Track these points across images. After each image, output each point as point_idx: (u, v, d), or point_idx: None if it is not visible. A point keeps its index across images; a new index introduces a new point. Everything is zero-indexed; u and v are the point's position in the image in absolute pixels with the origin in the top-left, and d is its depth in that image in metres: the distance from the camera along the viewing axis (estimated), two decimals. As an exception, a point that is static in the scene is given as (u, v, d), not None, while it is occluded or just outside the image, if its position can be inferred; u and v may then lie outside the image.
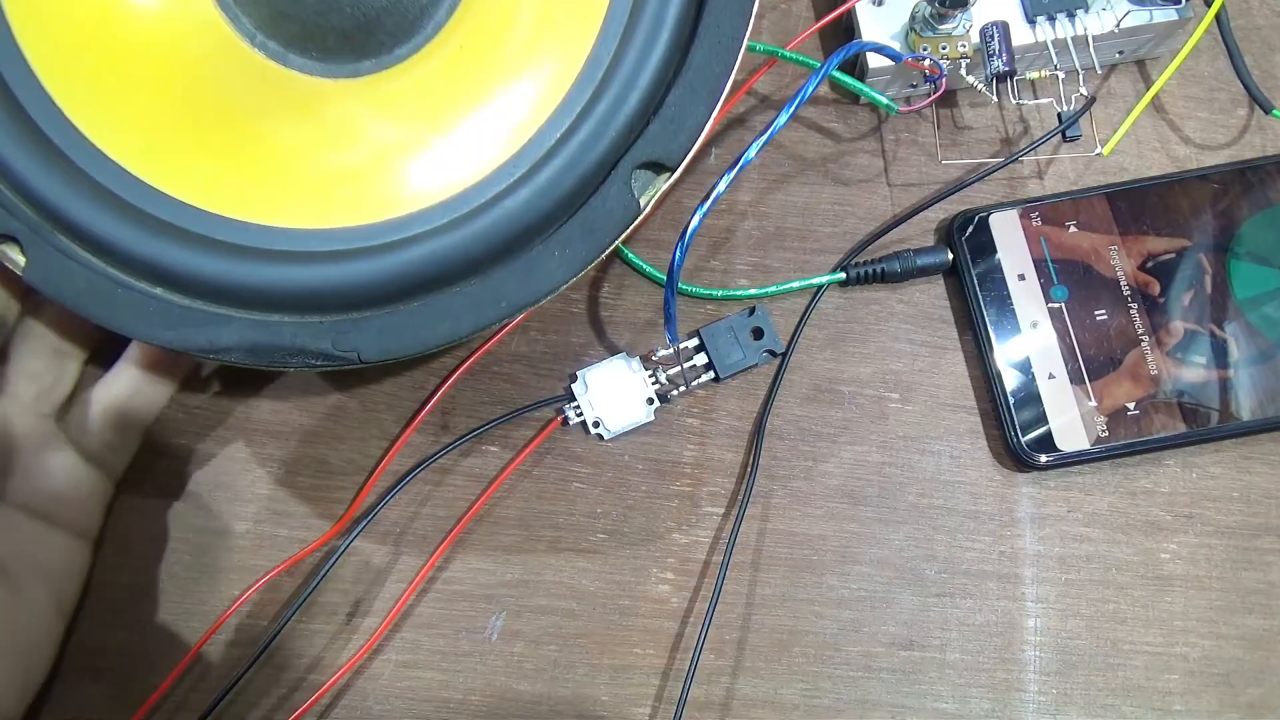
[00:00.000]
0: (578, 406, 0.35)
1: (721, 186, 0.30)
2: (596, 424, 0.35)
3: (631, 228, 0.29)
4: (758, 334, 0.37)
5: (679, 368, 0.36)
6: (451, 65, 0.32)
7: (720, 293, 0.38)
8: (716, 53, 0.29)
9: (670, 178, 0.30)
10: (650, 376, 0.36)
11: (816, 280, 0.38)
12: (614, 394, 0.35)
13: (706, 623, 0.35)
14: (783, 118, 0.30)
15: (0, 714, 0.30)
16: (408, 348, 0.29)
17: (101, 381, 0.34)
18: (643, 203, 0.29)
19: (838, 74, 0.36)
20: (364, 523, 0.35)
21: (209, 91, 0.31)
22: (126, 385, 0.33)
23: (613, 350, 0.38)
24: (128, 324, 0.29)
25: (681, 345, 0.36)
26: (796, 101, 0.30)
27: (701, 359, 0.37)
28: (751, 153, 0.30)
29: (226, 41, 0.31)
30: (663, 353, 0.36)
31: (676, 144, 0.29)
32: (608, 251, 0.30)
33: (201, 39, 0.31)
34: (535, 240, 0.29)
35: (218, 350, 0.29)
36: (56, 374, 0.33)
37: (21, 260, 0.29)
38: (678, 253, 0.30)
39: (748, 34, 0.30)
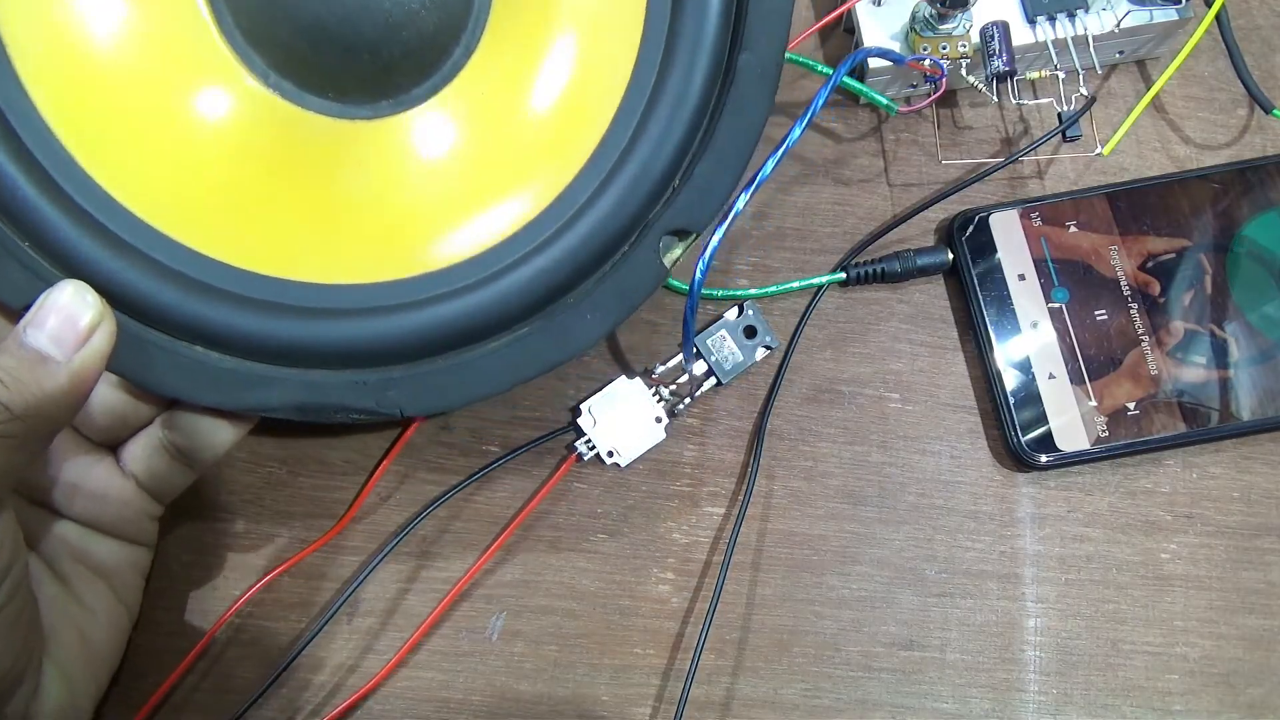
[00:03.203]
0: (589, 440, 0.35)
1: (740, 204, 0.31)
2: (611, 454, 0.35)
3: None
4: (750, 333, 0.37)
5: (685, 378, 0.36)
6: (474, 111, 0.32)
7: (720, 292, 0.38)
8: (740, 128, 0.30)
9: (693, 240, 0.31)
10: (654, 393, 0.35)
11: (816, 280, 0.38)
12: (623, 420, 0.35)
13: (707, 623, 0.35)
14: (796, 131, 0.31)
15: (75, 717, 0.31)
16: (449, 403, 0.31)
17: (164, 417, 0.33)
18: (667, 264, 0.30)
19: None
20: (394, 542, 0.36)
21: (230, 141, 0.31)
22: (187, 424, 0.32)
23: (606, 364, 0.37)
24: (175, 386, 0.30)
25: (686, 364, 0.36)
26: (808, 116, 0.31)
27: (701, 366, 0.37)
28: (768, 169, 0.31)
29: (242, 86, 0.31)
30: (662, 369, 0.36)
31: (704, 213, 0.30)
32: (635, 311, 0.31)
33: (217, 85, 0.31)
34: (566, 296, 0.30)
35: (266, 409, 0.30)
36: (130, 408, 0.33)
37: None
38: (698, 272, 0.30)
39: (769, 112, 0.30)
